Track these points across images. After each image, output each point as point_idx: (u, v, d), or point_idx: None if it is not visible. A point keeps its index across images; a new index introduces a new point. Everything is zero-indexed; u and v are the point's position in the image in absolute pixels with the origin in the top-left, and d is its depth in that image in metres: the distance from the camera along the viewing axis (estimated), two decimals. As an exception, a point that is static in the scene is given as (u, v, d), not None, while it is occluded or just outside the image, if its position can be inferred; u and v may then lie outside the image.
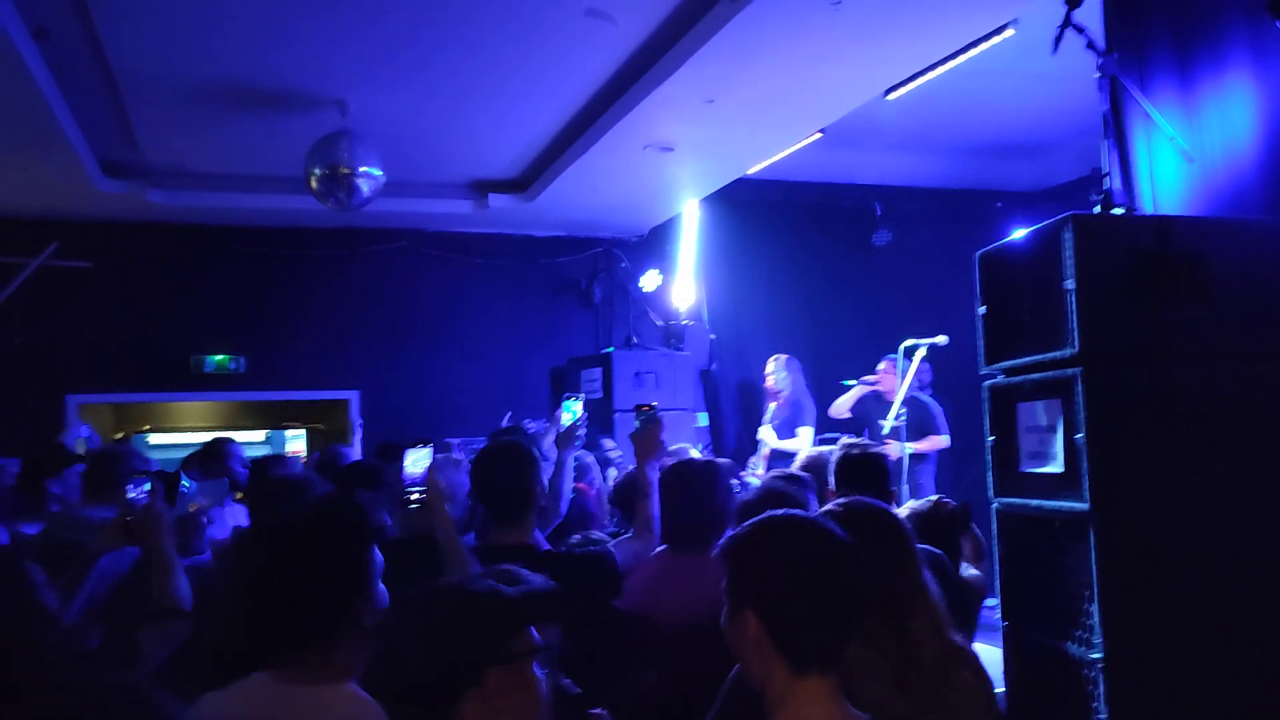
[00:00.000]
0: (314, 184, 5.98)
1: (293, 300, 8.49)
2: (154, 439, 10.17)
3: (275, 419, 10.10)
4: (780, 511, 1.85)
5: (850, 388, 7.36)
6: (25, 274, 7.54)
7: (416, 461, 2.96)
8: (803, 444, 6.85)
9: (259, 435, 10.24)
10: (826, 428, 7.19)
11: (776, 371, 7.40)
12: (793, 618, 1.66)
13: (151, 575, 2.73)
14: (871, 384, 7.18)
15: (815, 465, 3.76)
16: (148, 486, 2.84)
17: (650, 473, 3.28)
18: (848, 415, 7.26)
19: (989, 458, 2.95)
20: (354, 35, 5.20)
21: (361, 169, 5.89)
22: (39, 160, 6.38)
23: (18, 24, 4.65)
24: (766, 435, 7.37)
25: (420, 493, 2.91)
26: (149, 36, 5.16)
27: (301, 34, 5.18)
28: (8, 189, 7.00)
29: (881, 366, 7.11)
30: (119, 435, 9.87)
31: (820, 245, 8.94)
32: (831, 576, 1.68)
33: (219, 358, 8.30)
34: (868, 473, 3.19)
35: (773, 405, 7.46)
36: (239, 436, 10.08)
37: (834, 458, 3.38)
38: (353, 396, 8.62)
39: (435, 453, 3.04)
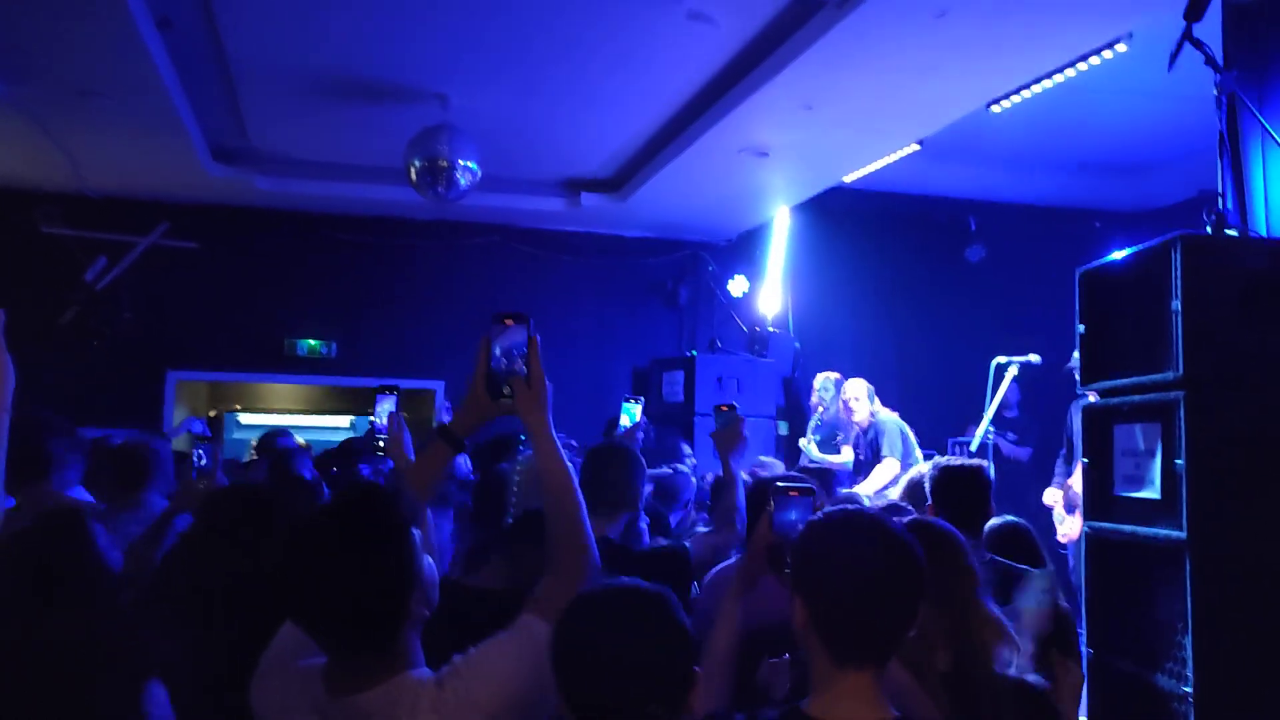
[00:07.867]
0: (413, 175, 6.10)
1: (385, 289, 8.67)
2: (244, 418, 10.49)
3: (361, 404, 10.33)
4: (849, 507, 1.91)
5: None
6: (136, 252, 7.85)
7: (383, 413, 3.10)
8: (888, 473, 6.35)
9: (344, 420, 10.49)
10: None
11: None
12: (835, 609, 1.69)
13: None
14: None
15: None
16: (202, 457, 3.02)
17: (734, 467, 3.30)
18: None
19: (1082, 480, 2.89)
20: (459, 31, 5.31)
21: (460, 162, 5.99)
22: (155, 144, 6.63)
23: (144, 13, 4.86)
24: (809, 447, 7.08)
25: (384, 439, 3.01)
26: (264, 28, 5.34)
27: (408, 29, 5.30)
28: (124, 170, 7.29)
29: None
30: (212, 413, 10.22)
31: (911, 258, 8.84)
32: (879, 575, 1.70)
33: (312, 342, 8.53)
34: (967, 488, 3.13)
35: (815, 418, 7.17)
36: (326, 420, 10.43)
37: (930, 474, 3.31)
38: (438, 386, 8.76)
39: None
